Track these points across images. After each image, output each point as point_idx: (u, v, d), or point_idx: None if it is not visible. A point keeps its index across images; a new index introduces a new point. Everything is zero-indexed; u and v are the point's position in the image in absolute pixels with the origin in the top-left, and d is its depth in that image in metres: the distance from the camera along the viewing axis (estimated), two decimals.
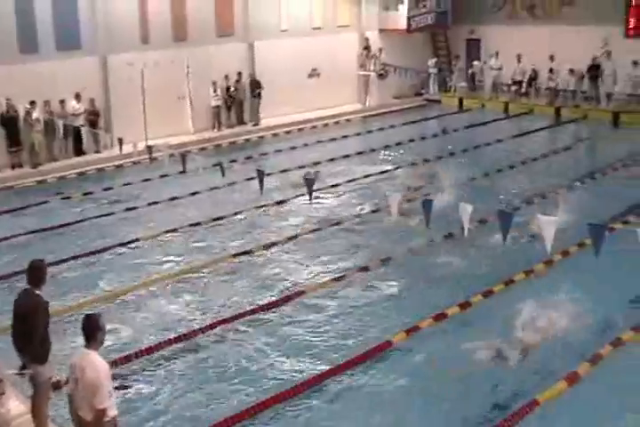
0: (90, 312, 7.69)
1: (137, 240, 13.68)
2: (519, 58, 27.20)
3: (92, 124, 20.40)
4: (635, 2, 25.62)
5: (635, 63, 24.39)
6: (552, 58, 26.22)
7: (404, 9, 28.32)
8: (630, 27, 25.90)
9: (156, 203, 16.10)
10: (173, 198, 16.37)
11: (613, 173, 17.96)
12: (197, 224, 14.60)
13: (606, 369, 8.85)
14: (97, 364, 6.12)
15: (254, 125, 24.25)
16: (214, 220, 14.86)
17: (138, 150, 17.00)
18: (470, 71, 29.12)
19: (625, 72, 24.69)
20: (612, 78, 25.04)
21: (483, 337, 9.54)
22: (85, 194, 17.12)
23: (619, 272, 11.25)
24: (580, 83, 25.99)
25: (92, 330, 6.18)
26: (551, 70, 26.31)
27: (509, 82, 27.80)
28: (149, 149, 17.02)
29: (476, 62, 29.10)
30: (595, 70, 25.42)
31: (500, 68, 27.90)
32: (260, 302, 10.94)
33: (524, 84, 27.34)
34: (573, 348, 9.37)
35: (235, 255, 12.89)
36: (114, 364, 8.79)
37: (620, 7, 25.83)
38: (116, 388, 7.21)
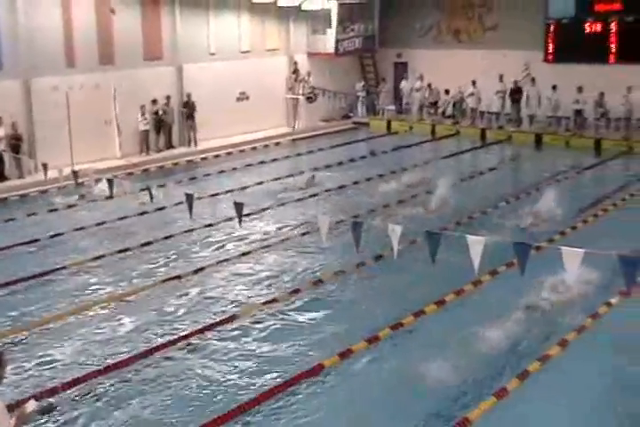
0: None
1: (64, 268, 13.35)
2: (429, 85, 28.09)
3: (15, 149, 19.94)
4: (553, 28, 26.50)
5: (554, 87, 25.21)
6: (474, 82, 26.91)
7: (331, 33, 28.63)
8: (550, 52, 26.77)
9: (82, 229, 15.75)
10: (100, 224, 16.07)
11: (536, 193, 18.38)
12: (126, 250, 14.34)
13: (535, 385, 9.00)
14: None
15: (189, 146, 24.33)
16: (142, 245, 14.62)
17: (63, 176, 16.68)
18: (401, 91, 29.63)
19: (545, 95, 25.49)
20: (536, 101, 25.82)
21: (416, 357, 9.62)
22: (8, 220, 16.65)
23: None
24: (504, 105, 26.68)
25: None
26: (472, 93, 27.00)
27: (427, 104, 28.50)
28: (75, 174, 16.73)
29: (402, 85, 29.61)
30: (517, 93, 26.19)
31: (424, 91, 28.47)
32: (193, 328, 10.77)
33: (449, 107, 27.97)
34: (498, 365, 9.55)
35: (164, 281, 12.69)
36: (46, 392, 8.66)
37: (540, 33, 26.68)
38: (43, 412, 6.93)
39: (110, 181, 15.09)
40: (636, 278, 8.17)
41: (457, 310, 11.30)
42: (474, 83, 26.88)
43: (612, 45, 25.35)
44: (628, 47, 24.98)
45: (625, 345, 9.95)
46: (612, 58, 25.41)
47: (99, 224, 16.01)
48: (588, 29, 25.79)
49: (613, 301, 11.24)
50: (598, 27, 25.56)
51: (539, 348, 9.92)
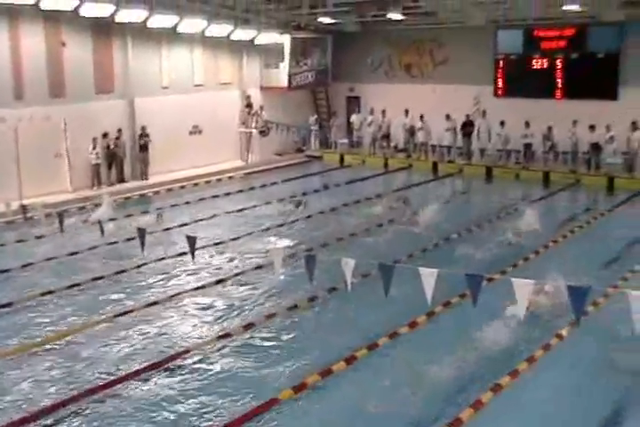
0: None
1: (10, 304, 13.04)
2: (383, 112, 28.35)
3: None
4: (502, 64, 27.11)
5: (502, 123, 25.76)
6: (422, 117, 27.36)
7: (284, 67, 28.86)
8: (499, 86, 27.35)
9: (31, 264, 15.44)
10: (50, 259, 15.77)
11: (488, 225, 18.60)
12: (76, 285, 14.08)
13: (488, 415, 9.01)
14: None
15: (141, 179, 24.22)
16: (93, 280, 14.38)
17: (12, 210, 16.41)
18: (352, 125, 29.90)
19: (495, 131, 26.04)
20: (487, 135, 26.30)
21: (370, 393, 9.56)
22: None
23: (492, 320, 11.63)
24: (455, 139, 27.11)
25: None
26: (421, 128, 27.43)
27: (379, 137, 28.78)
28: (24, 208, 16.48)
29: (352, 118, 29.90)
30: (468, 127, 26.66)
31: (377, 125, 28.75)
32: (143, 365, 10.58)
33: (402, 140, 28.35)
34: (452, 395, 9.55)
35: (116, 316, 12.48)
36: None
37: (490, 68, 27.26)
38: None
39: (60, 216, 14.91)
40: (585, 308, 8.27)
41: (410, 341, 11.30)
42: (421, 117, 27.35)
43: (559, 81, 26.02)
44: (573, 83, 25.68)
45: (575, 374, 10.08)
46: (558, 93, 26.06)
47: (48, 259, 15.73)
48: (535, 65, 26.43)
49: (564, 331, 11.36)
50: (545, 63, 26.24)
51: (491, 377, 9.94)
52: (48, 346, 11.33)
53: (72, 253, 16.11)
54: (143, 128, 24.20)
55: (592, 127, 23.99)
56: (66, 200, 21.08)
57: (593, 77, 25.09)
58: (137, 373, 10.29)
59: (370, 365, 10.53)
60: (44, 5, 19.81)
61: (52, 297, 13.48)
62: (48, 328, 12.02)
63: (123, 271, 14.94)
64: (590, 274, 13.62)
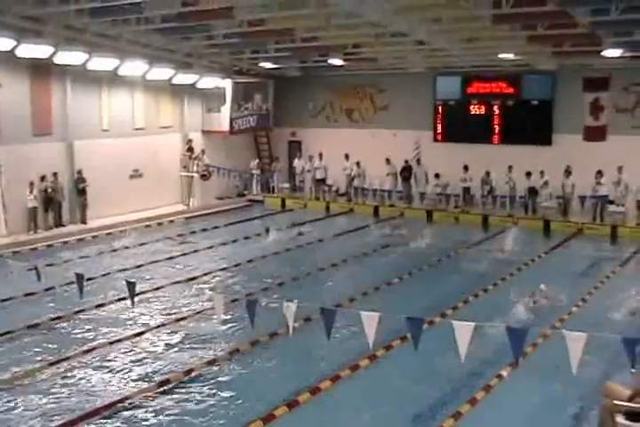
0: None
1: None
2: (320, 156, 28.77)
3: None
4: (441, 109, 27.70)
5: (436, 175, 26.28)
6: (358, 163, 27.77)
7: (226, 111, 28.96)
8: (439, 132, 27.90)
9: None
10: None
11: (429, 268, 18.76)
12: (8, 333, 13.65)
13: None
14: None
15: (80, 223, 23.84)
16: (29, 327, 13.97)
17: None
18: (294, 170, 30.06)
19: (431, 180, 26.59)
20: (424, 179, 26.73)
21: None
22: None
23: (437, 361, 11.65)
24: (396, 183, 27.47)
25: None
26: (359, 174, 27.84)
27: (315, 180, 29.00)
28: None
29: (295, 163, 30.06)
30: (407, 172, 27.08)
31: (316, 169, 28.94)
32: (81, 413, 10.22)
33: (343, 185, 28.62)
34: None
35: (52, 364, 12.11)
36: None
37: (429, 113, 27.81)
38: None
39: None
40: (523, 349, 8.34)
41: (351, 386, 11.21)
42: (358, 164, 27.70)
43: (496, 127, 26.71)
44: (510, 129, 26.39)
45: (517, 414, 10.10)
46: (495, 138, 26.73)
47: None
48: (473, 111, 27.09)
49: (504, 372, 11.41)
50: (482, 109, 26.92)
51: (434, 421, 9.91)
52: None
53: (5, 300, 15.66)
54: (79, 172, 23.90)
55: (529, 174, 24.64)
56: (1, 244, 20.59)
57: (528, 123, 25.84)
58: (73, 422, 9.95)
59: (312, 409, 10.41)
60: None
61: None
62: None
63: (59, 318, 14.56)
64: (528, 315, 13.82)
